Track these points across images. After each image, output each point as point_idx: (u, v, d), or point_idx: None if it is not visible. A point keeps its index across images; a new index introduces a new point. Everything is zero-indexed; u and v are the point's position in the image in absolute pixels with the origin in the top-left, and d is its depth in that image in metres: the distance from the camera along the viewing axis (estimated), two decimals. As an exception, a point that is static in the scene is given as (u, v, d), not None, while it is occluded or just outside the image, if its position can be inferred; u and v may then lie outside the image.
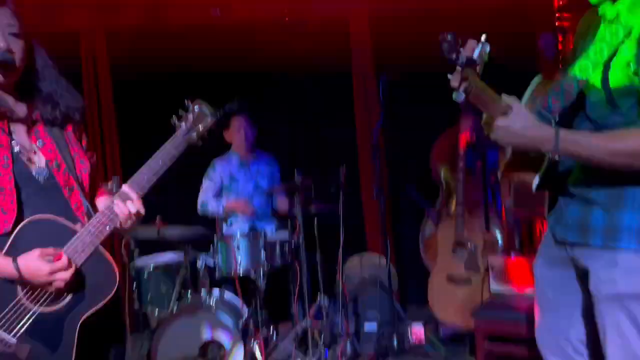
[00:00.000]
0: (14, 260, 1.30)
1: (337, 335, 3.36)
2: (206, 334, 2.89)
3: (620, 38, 1.35)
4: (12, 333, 1.31)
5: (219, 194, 3.72)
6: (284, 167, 3.88)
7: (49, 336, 1.35)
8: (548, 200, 1.61)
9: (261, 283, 3.20)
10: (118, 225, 1.43)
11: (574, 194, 1.48)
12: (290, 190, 3.40)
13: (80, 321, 1.37)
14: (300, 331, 3.23)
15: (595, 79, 1.39)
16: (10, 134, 1.44)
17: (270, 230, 3.66)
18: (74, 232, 1.39)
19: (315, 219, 3.31)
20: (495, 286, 2.76)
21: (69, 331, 1.36)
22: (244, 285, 3.32)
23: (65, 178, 1.48)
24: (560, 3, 3.74)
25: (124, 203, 1.44)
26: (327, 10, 4.17)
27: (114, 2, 4.08)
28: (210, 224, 3.36)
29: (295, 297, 3.38)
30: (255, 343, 3.02)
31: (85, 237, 1.38)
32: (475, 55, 1.26)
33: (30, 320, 1.33)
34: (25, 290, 1.34)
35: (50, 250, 1.33)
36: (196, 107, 1.57)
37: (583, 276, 1.50)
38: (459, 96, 1.28)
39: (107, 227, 1.41)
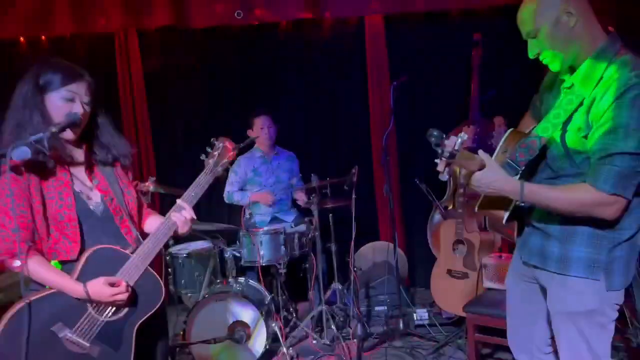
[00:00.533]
0: (84, 286, 1.65)
1: (349, 317, 3.64)
2: (233, 316, 3.17)
3: (574, 106, 1.61)
4: (86, 338, 1.68)
5: (243, 187, 4.01)
6: (302, 166, 4.14)
7: (113, 339, 1.72)
8: (517, 226, 1.91)
9: (281, 271, 3.49)
10: (165, 241, 1.79)
11: (536, 227, 1.78)
12: (308, 192, 3.68)
13: (136, 326, 1.74)
14: (316, 314, 3.53)
15: (556, 137, 1.66)
16: (72, 177, 1.77)
17: (291, 220, 3.95)
18: (127, 257, 1.73)
19: (331, 214, 3.58)
20: (487, 283, 3.02)
21: (128, 335, 1.73)
22: (267, 273, 3.64)
23: (117, 209, 1.81)
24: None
25: (179, 212, 1.79)
26: (343, 12, 4.36)
27: (145, 4, 4.34)
28: (235, 220, 3.67)
29: (312, 283, 3.68)
30: (276, 324, 3.32)
31: (137, 260, 1.73)
32: (457, 147, 1.56)
33: (99, 328, 1.70)
34: (93, 305, 1.70)
35: (112, 278, 1.68)
36: (220, 144, 1.90)
37: (543, 292, 1.82)
38: (444, 177, 1.60)
39: (155, 249, 1.76)
